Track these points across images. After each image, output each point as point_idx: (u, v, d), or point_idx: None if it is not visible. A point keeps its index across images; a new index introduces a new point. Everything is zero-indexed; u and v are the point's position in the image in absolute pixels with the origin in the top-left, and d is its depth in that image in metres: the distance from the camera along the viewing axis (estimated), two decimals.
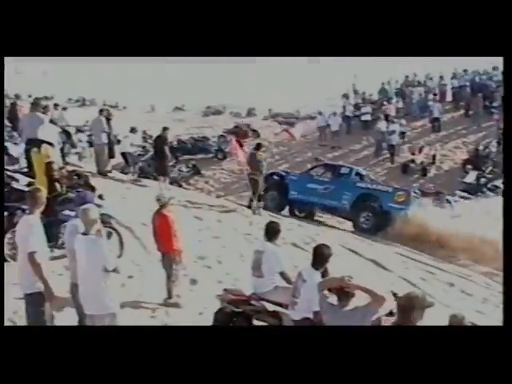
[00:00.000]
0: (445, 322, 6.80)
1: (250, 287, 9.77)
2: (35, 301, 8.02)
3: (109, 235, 11.91)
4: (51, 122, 17.21)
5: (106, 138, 20.87)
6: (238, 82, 79.75)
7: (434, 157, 32.00)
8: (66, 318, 9.36)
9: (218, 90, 72.31)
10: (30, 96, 38.82)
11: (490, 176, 27.20)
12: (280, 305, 9.32)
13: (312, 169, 24.42)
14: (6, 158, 17.38)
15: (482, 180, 27.00)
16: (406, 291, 6.56)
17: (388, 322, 6.97)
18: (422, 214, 21.00)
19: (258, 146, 20.60)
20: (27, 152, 15.07)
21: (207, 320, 9.66)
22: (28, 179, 14.12)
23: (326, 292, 7.39)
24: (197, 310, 11.11)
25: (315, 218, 23.43)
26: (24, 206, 10.00)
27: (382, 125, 34.22)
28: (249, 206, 20.07)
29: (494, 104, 34.39)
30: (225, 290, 10.11)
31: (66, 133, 22.73)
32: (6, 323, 9.02)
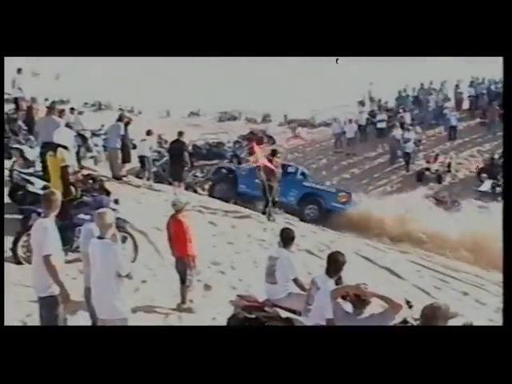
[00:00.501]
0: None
1: (264, 293, 9.75)
2: (49, 304, 8.03)
3: (123, 240, 11.94)
4: (67, 125, 17.27)
5: (120, 143, 20.87)
6: (254, 88, 79.67)
7: (449, 165, 31.88)
8: (79, 321, 9.40)
9: (233, 95, 72.28)
10: (46, 99, 38.89)
11: None
12: (293, 311, 9.30)
13: None
14: (21, 161, 17.49)
15: (498, 189, 26.85)
16: (419, 300, 6.57)
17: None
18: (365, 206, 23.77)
19: (274, 152, 20.58)
20: (43, 155, 15.14)
21: None
22: (43, 182, 14.19)
23: (339, 300, 7.39)
24: (210, 315, 11.09)
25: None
26: (39, 210, 10.01)
27: (397, 132, 34.15)
28: (263, 212, 20.04)
29: None
30: (238, 295, 10.10)
31: (81, 137, 22.81)
32: (19, 325, 9.06)
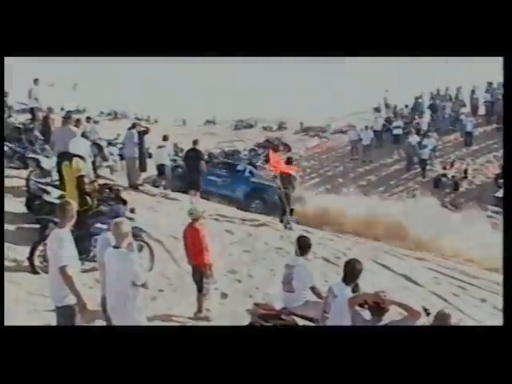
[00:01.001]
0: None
1: (281, 301, 9.73)
2: (66, 313, 8.03)
3: (140, 248, 11.98)
4: (83, 135, 17.29)
5: (138, 152, 20.91)
6: (269, 96, 79.96)
7: (465, 171, 31.75)
8: None
9: (248, 103, 72.58)
10: (62, 109, 39.05)
11: None
12: (310, 319, 9.27)
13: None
14: (38, 171, 17.57)
15: None
16: (437, 306, 6.58)
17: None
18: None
19: (289, 160, 20.60)
20: (59, 165, 15.20)
21: None
22: (60, 192, 14.24)
23: (357, 307, 7.37)
24: (227, 323, 11.07)
25: None
26: (56, 219, 10.03)
27: (413, 139, 34.10)
28: (280, 220, 20.03)
29: None
30: (255, 304, 10.09)
31: (97, 146, 22.88)
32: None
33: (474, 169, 32.79)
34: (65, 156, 14.34)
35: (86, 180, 13.40)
